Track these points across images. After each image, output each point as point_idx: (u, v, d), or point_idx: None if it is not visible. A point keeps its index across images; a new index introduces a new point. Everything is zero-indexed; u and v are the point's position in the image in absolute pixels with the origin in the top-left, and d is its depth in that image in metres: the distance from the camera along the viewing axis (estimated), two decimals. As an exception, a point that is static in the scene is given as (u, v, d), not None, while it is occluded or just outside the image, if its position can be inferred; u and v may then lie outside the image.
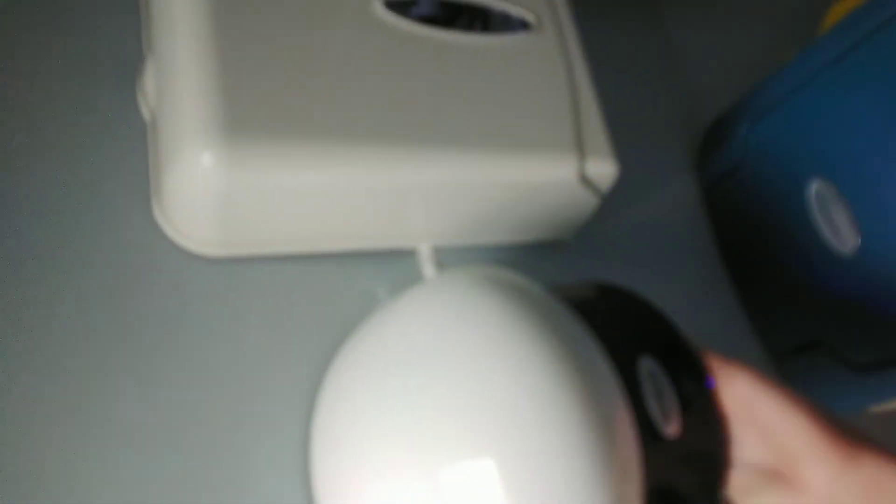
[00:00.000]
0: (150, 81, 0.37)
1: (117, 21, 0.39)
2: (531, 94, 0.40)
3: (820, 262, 0.44)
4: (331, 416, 0.33)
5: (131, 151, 0.37)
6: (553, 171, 0.39)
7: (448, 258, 0.41)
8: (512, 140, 0.38)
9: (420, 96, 0.37)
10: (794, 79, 0.46)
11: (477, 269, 0.33)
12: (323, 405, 0.33)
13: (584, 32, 0.43)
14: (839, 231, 0.43)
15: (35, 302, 0.33)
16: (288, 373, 0.36)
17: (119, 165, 0.37)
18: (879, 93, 0.40)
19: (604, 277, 0.36)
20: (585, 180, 0.40)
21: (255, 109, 0.33)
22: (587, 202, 0.42)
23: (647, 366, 0.31)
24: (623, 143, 0.41)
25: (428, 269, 0.40)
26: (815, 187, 0.44)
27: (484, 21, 0.40)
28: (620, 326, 0.32)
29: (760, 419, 0.31)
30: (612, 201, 0.43)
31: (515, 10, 0.42)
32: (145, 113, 0.38)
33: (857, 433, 0.30)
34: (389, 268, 0.40)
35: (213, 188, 0.33)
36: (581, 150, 0.39)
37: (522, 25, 0.42)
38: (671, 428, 0.30)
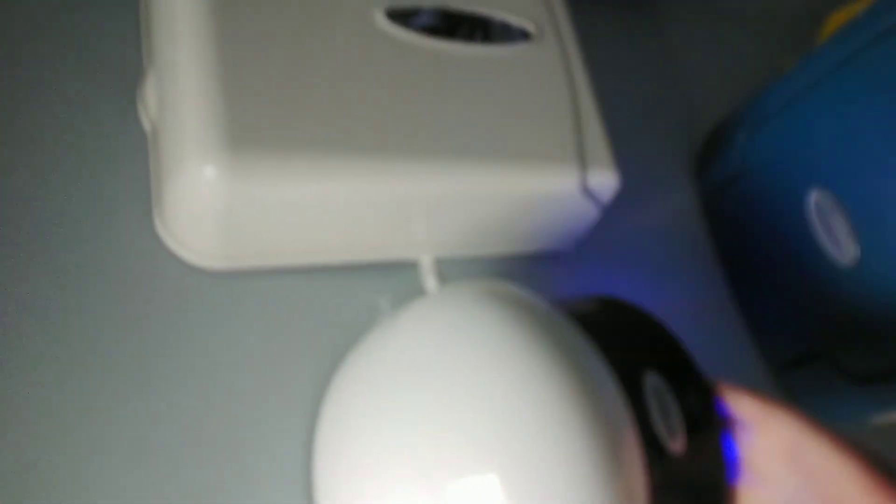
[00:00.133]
0: (150, 92, 0.36)
1: (117, 31, 0.39)
2: (532, 104, 0.40)
3: (819, 272, 0.44)
4: (333, 431, 0.32)
5: (132, 162, 0.37)
6: (555, 183, 0.39)
7: (450, 270, 0.41)
8: (513, 151, 0.38)
9: (421, 107, 0.37)
10: (793, 87, 0.46)
11: (480, 283, 0.33)
12: (325, 419, 0.33)
13: (584, 42, 0.43)
14: (839, 241, 0.43)
15: (37, 313, 0.33)
16: (290, 385, 0.36)
17: (120, 176, 0.37)
18: (879, 102, 0.40)
19: (603, 287, 0.35)
20: (587, 192, 0.40)
21: (258, 122, 0.33)
22: (588, 213, 0.42)
23: (653, 382, 0.30)
24: (622, 151, 0.41)
25: (430, 281, 0.40)
26: (814, 197, 0.44)
27: (485, 31, 0.40)
28: (625, 341, 0.32)
29: (807, 465, 0.30)
30: (611, 211, 0.43)
31: (516, 20, 0.42)
32: (146, 123, 0.38)
33: None
34: (391, 279, 0.40)
35: (216, 201, 0.33)
36: (582, 161, 0.39)
37: (523, 35, 0.41)
38: (676, 445, 0.30)
